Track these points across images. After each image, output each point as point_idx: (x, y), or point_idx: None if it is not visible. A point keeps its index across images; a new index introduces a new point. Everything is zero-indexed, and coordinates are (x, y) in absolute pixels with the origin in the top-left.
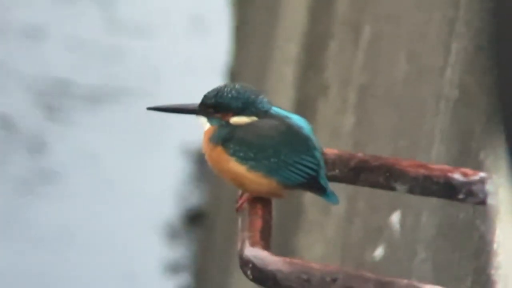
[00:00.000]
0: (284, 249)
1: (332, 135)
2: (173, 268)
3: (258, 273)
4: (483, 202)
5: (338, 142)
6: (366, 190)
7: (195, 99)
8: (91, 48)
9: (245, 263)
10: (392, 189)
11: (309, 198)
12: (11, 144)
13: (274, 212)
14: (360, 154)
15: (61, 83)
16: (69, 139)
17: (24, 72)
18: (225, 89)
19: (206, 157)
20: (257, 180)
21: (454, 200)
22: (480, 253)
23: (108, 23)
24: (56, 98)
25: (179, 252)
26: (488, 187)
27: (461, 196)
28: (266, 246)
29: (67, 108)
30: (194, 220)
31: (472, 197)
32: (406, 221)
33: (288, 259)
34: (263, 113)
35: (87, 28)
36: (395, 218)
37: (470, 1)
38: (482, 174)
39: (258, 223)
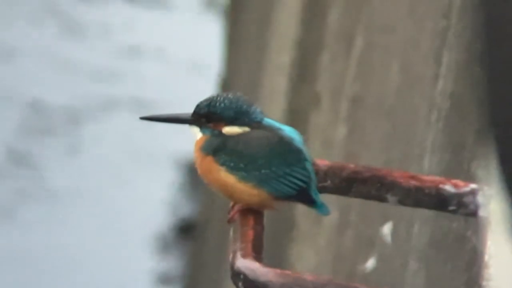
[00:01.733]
0: (276, 260)
1: (324, 145)
2: (165, 279)
3: (250, 285)
4: (474, 214)
5: (330, 153)
6: (358, 201)
7: (188, 109)
8: (83, 62)
9: (237, 275)
10: (384, 200)
11: (301, 209)
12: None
13: (265, 223)
14: (352, 165)
15: (54, 95)
16: (60, 152)
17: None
18: (218, 98)
19: (197, 166)
20: (247, 191)
21: (445, 212)
22: (471, 264)
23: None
24: (47, 110)
25: (170, 263)
26: (479, 198)
27: (452, 207)
28: (258, 258)
29: (58, 121)
30: (186, 231)
31: (463, 209)
32: (398, 232)
33: (279, 271)
34: (256, 124)
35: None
36: (387, 229)
37: (461, 12)
38: (473, 186)
39: (250, 234)
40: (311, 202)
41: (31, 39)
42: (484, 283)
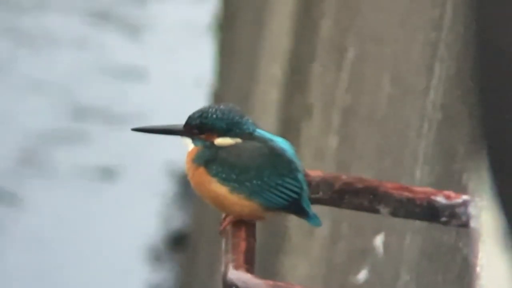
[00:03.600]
0: (267, 272)
1: (316, 156)
2: None
3: None
4: (466, 225)
5: (322, 163)
6: (350, 212)
7: (180, 121)
8: (76, 70)
9: (229, 286)
10: (376, 211)
11: (293, 220)
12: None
13: (257, 234)
14: (344, 176)
15: (56, 102)
16: (52, 162)
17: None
18: (210, 110)
19: (189, 178)
20: (239, 202)
21: (437, 223)
22: (463, 276)
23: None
24: (49, 117)
25: (162, 274)
26: (471, 209)
27: (444, 218)
28: (250, 269)
29: (55, 128)
30: (178, 242)
31: (455, 220)
32: (390, 243)
33: (271, 282)
34: (248, 135)
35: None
36: (379, 240)
37: (453, 23)
38: (465, 197)
39: (242, 245)
40: (303, 213)
41: None
42: None
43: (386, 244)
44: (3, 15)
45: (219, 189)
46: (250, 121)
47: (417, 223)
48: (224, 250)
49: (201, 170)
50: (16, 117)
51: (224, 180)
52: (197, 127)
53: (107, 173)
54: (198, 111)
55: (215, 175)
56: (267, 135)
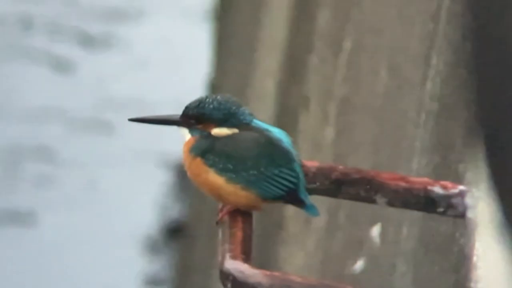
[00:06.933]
0: (264, 262)
1: (313, 147)
2: (153, 281)
3: (238, 286)
4: (462, 215)
5: (319, 154)
6: (346, 202)
7: (177, 111)
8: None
9: (225, 276)
10: (373, 201)
11: (289, 210)
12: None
13: (254, 225)
14: (340, 167)
15: (50, 104)
16: (57, 153)
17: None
18: (207, 100)
19: (186, 168)
20: (236, 192)
21: (434, 213)
22: (460, 266)
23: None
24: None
25: (159, 265)
26: (468, 200)
27: (440, 209)
28: (247, 259)
29: (55, 125)
30: (175, 232)
31: (451, 210)
32: (387, 234)
33: (268, 272)
34: (244, 125)
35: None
36: (375, 231)
37: (450, 15)
38: (461, 187)
39: (239, 235)
40: (300, 203)
41: None
42: (472, 285)
43: (382, 235)
44: None
45: (216, 179)
46: (247, 111)
47: (414, 213)
48: (221, 240)
49: (198, 160)
50: None
51: (221, 171)
52: (194, 117)
53: (104, 163)
54: (195, 101)
55: (211, 165)
56: (264, 125)
